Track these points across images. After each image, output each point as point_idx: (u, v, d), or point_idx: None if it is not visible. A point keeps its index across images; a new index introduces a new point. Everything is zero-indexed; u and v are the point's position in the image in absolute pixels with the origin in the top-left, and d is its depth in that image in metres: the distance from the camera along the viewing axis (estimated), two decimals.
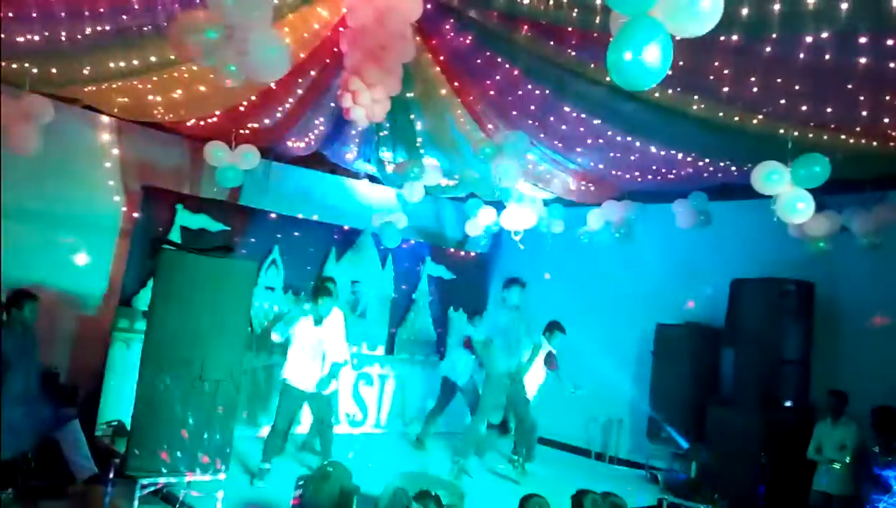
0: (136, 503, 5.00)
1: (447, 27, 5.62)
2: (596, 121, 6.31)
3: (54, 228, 7.23)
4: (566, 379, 7.73)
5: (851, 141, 5.49)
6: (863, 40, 4.17)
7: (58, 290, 7.12)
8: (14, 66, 5.93)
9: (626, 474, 8.16)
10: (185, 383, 5.32)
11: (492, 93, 6.33)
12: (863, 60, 4.35)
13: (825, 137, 5.51)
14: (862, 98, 4.84)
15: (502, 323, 7.04)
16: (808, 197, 5.53)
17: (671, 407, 7.68)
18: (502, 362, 6.98)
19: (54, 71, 6.05)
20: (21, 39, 5.32)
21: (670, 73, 4.90)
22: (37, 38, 5.29)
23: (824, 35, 4.19)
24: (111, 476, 5.05)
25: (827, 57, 4.41)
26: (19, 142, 6.01)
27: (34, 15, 4.96)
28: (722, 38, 4.46)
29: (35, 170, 6.71)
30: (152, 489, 5.16)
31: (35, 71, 5.98)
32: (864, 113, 5.00)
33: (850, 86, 4.72)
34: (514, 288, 7.12)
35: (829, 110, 5.11)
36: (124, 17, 5.03)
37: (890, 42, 4.14)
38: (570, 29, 4.92)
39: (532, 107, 6.37)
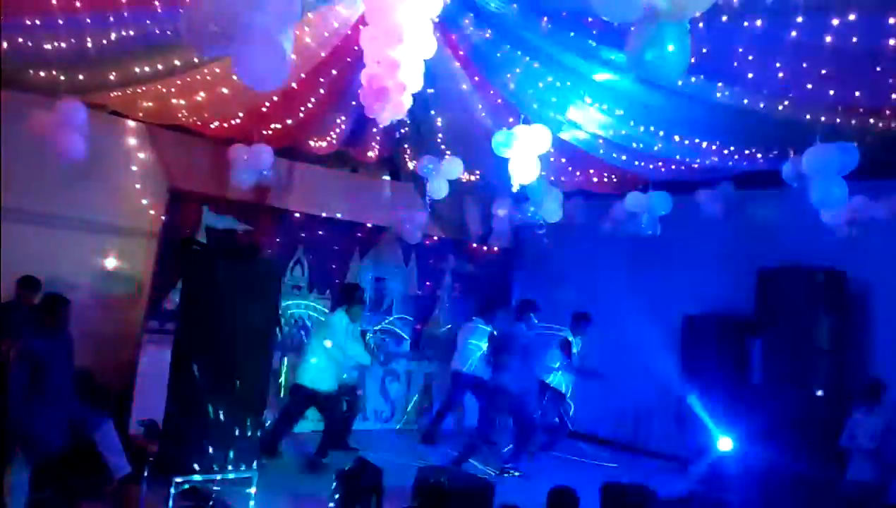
0: (171, 500, 5.08)
1: (466, 21, 5.60)
2: (618, 112, 6.26)
3: (85, 232, 7.36)
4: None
5: (881, 125, 5.39)
6: (892, 21, 4.09)
7: (89, 293, 7.25)
8: (42, 73, 6.04)
9: (655, 465, 8.11)
10: (215, 382, 5.38)
11: (512, 86, 6.30)
12: (892, 42, 4.26)
13: (854, 122, 5.41)
14: (891, 80, 4.74)
15: (522, 340, 7.05)
16: (843, 183, 5.45)
17: (700, 398, 7.61)
18: (515, 378, 7.01)
19: (81, 77, 6.14)
20: (49, 47, 5.41)
21: (693, 60, 4.91)
22: (63, 45, 5.38)
23: (851, 17, 4.12)
24: (146, 474, 5.14)
25: (854, 40, 4.33)
26: (66, 150, 6.14)
27: (60, 22, 5.05)
28: (746, 24, 4.41)
29: (64, 176, 6.83)
30: (186, 487, 5.24)
31: (63, 78, 6.09)
32: (894, 96, 4.90)
33: (878, 69, 4.63)
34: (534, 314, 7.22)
35: (857, 94, 5.02)
36: (148, 21, 5.09)
37: None
38: (590, 19, 4.88)
39: (553, 99, 6.34)
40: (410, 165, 8.43)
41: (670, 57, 3.00)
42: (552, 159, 7.56)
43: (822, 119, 5.40)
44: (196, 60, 5.74)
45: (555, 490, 4.12)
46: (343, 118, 7.44)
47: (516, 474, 7.05)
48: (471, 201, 10.43)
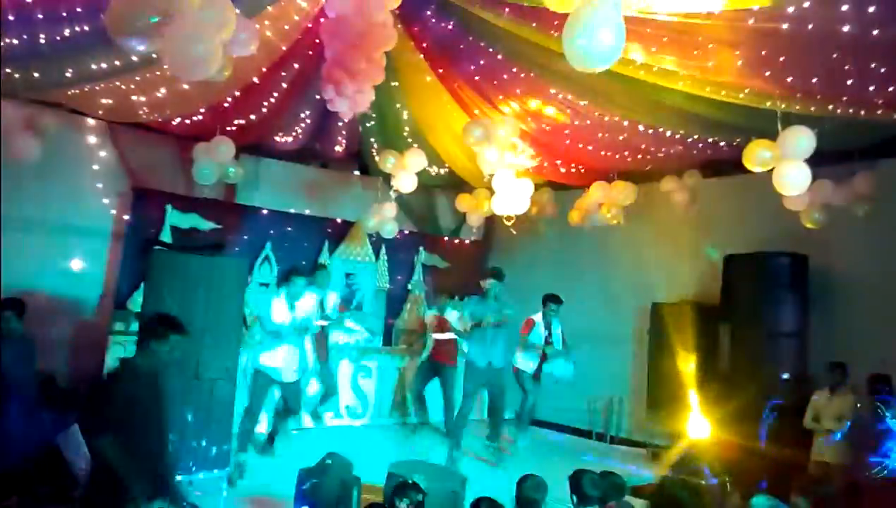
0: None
1: (428, 13, 5.59)
2: (582, 102, 6.28)
3: (45, 233, 7.20)
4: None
5: (839, 111, 5.47)
6: (844, 8, 4.15)
7: (53, 295, 7.11)
8: None
9: (627, 453, 8.19)
10: (182, 382, 5.31)
11: (476, 78, 6.29)
12: (846, 29, 4.33)
13: (812, 109, 5.49)
14: (847, 67, 4.82)
15: (479, 313, 7.01)
16: (805, 168, 5.51)
17: (670, 385, 7.70)
18: (479, 353, 6.99)
19: (36, 75, 6.00)
20: (0, 44, 5.27)
21: (654, 49, 4.95)
22: (16, 41, 5.24)
23: (806, 5, 4.17)
24: None
25: (810, 27, 4.39)
26: (20, 151, 6.01)
27: (11, 18, 4.91)
28: (704, 12, 4.44)
29: (23, 176, 6.68)
30: None
31: (17, 76, 5.93)
32: (850, 82, 4.97)
33: (834, 56, 4.70)
34: (492, 279, 7.14)
35: (814, 81, 5.09)
36: (102, 16, 4.97)
37: (872, 9, 4.12)
38: (551, 9, 4.88)
39: (518, 91, 6.34)
40: (378, 159, 8.38)
41: (602, 43, 3.04)
42: (518, 150, 7.57)
43: (783, 106, 5.46)
44: (154, 56, 5.63)
45: (524, 478, 4.12)
46: (307, 112, 7.37)
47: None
48: (441, 194, 10.42)
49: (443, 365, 8.08)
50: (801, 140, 5.34)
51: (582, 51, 3.08)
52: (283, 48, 5.85)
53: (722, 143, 6.71)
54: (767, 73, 5.04)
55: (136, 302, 7.05)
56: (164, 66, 5.75)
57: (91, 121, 7.55)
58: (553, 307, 7.49)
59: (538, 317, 7.53)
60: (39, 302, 6.62)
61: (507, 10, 5.10)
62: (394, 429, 8.61)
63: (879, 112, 5.36)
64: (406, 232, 9.68)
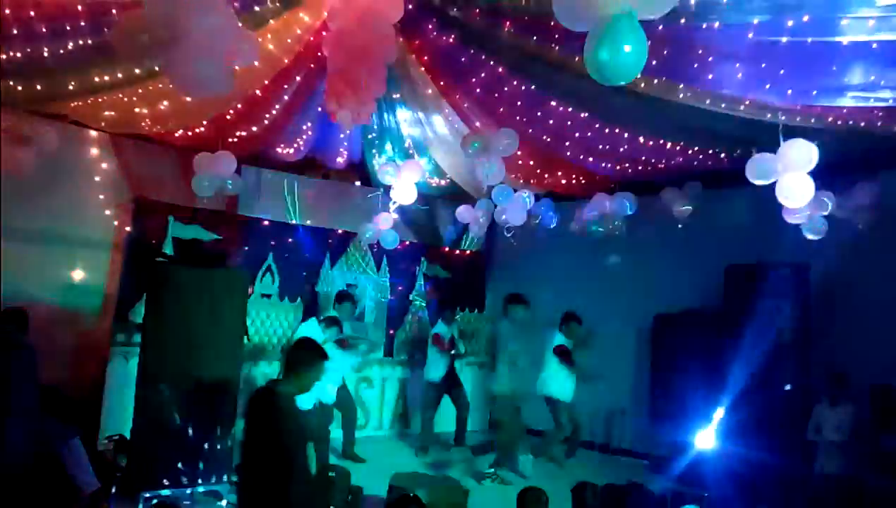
0: None
1: (430, 27, 5.61)
2: (583, 115, 6.31)
3: (48, 245, 7.22)
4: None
5: (839, 122, 5.49)
6: (845, 22, 4.17)
7: (54, 306, 7.11)
8: None
9: (629, 464, 8.17)
10: (183, 394, 5.32)
11: (478, 91, 6.31)
12: (845, 42, 4.35)
13: (812, 120, 5.51)
14: (846, 79, 4.84)
15: (510, 343, 7.02)
16: (807, 180, 5.52)
17: (672, 396, 7.69)
18: (506, 383, 7.00)
19: (39, 87, 6.03)
20: (3, 57, 5.30)
21: (654, 62, 4.97)
22: (19, 54, 5.28)
23: (805, 18, 4.20)
24: (114, 490, 5.05)
25: (809, 40, 4.41)
26: (16, 165, 6.04)
27: (15, 32, 4.95)
28: (704, 25, 4.47)
29: (25, 187, 6.70)
30: (156, 501, 5.16)
31: (20, 88, 5.97)
32: (850, 94, 4.99)
33: (834, 68, 4.72)
34: (518, 306, 7.13)
35: (814, 93, 5.11)
36: (106, 30, 5.02)
37: (871, 22, 4.14)
38: (552, 23, 4.91)
39: (518, 104, 6.37)
40: (379, 170, 8.40)
41: (625, 56, 3.04)
42: (520, 162, 7.61)
43: (783, 118, 5.48)
44: (157, 69, 5.67)
45: (525, 491, 4.12)
46: (309, 124, 7.40)
47: (495, 481, 6.99)
48: (441, 205, 10.44)
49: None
50: (803, 152, 5.35)
51: (605, 64, 3.07)
52: (286, 61, 5.87)
53: (723, 155, 6.73)
54: (767, 86, 5.06)
55: (138, 313, 7.06)
56: (168, 80, 5.87)
57: (93, 133, 7.57)
58: (575, 327, 7.58)
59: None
60: (41, 313, 6.63)
61: (508, 23, 5.13)
62: (395, 441, 8.60)
63: (879, 123, 5.39)
64: (407, 242, 9.69)
